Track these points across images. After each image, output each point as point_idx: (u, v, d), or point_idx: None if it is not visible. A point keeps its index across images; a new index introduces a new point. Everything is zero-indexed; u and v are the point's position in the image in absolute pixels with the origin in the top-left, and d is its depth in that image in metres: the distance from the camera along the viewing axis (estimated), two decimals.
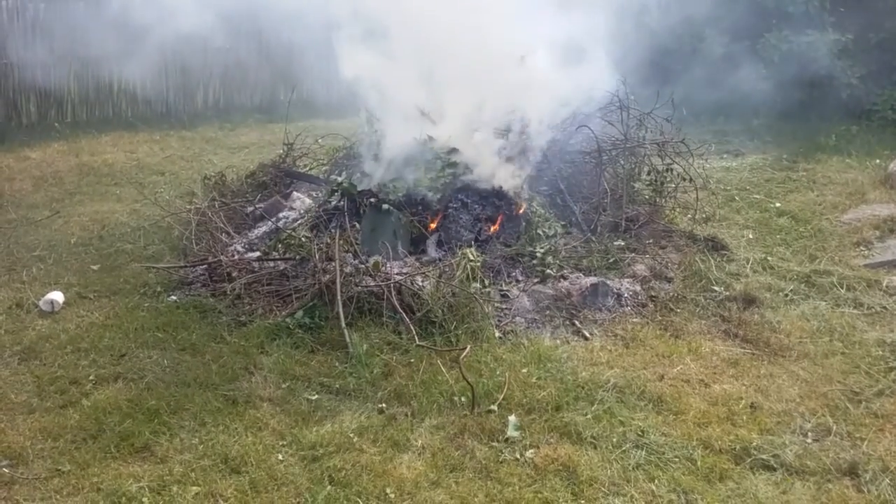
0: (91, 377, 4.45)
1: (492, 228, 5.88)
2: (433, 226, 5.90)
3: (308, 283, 5.23)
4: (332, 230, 5.70)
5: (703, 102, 9.52)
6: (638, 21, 8.09)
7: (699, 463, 3.78)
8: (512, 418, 4.06)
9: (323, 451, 3.83)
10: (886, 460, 3.79)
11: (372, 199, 5.86)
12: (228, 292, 5.28)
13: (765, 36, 10.15)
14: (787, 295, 5.50)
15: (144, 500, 3.48)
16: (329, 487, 3.59)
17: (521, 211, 6.01)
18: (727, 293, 5.46)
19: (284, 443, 3.91)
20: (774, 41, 10.10)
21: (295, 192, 6.73)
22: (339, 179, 6.29)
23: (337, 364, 4.57)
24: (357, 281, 5.15)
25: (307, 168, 7.59)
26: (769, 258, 6.04)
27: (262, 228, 6.24)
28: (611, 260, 5.72)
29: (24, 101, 10.08)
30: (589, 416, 4.11)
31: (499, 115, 6.21)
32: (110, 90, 10.62)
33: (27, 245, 6.33)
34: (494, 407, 4.17)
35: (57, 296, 5.31)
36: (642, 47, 8.13)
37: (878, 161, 8.43)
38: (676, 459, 3.81)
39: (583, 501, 3.55)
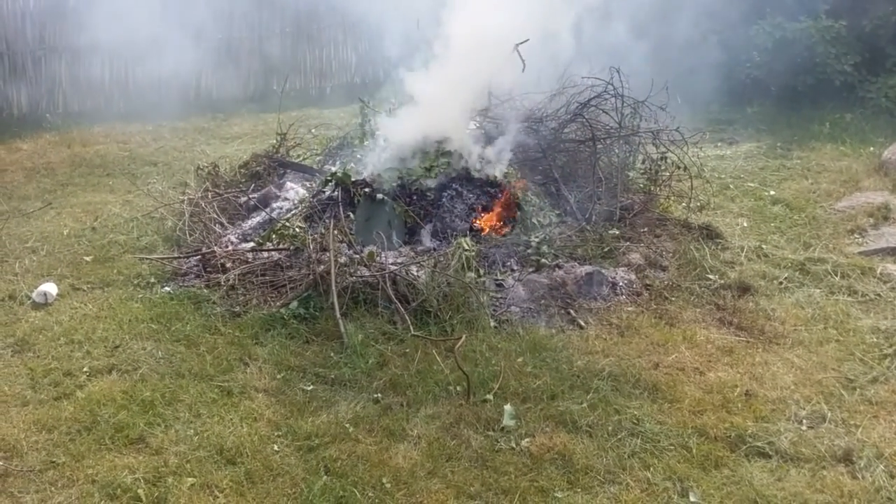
0: (85, 369, 4.43)
1: (485, 221, 5.86)
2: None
3: (302, 274, 5.22)
4: (327, 220, 5.69)
5: (698, 90, 9.50)
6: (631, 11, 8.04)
7: (694, 451, 3.79)
8: (507, 407, 4.06)
9: (319, 442, 3.83)
10: (881, 447, 3.81)
11: (366, 189, 5.84)
12: (222, 283, 5.26)
13: (759, 23, 10.13)
14: (781, 283, 5.51)
15: (140, 491, 3.48)
16: (325, 478, 3.59)
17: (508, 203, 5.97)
18: (722, 281, 5.46)
19: (280, 433, 3.91)
20: (768, 28, 10.07)
21: (288, 183, 6.69)
22: (334, 169, 6.26)
23: (332, 354, 4.56)
24: (352, 271, 5.14)
25: (301, 158, 7.56)
26: (763, 246, 6.05)
27: (256, 219, 6.21)
28: (605, 249, 5.71)
29: (14, 91, 10.01)
30: (584, 405, 4.12)
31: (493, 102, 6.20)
32: (102, 80, 10.54)
33: (20, 237, 6.30)
34: (490, 396, 4.17)
35: (50, 287, 5.28)
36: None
37: (871, 149, 8.43)
38: (672, 447, 3.82)
39: (578, 490, 3.55)
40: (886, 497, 3.51)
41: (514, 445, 3.83)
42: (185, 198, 6.59)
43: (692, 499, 3.50)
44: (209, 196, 6.54)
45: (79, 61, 10.32)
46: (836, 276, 5.56)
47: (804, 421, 4.04)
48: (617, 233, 5.92)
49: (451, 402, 4.15)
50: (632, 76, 6.45)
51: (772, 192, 7.36)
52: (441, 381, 4.29)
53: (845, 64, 9.94)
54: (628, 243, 5.84)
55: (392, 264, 5.25)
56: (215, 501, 3.46)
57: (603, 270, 5.38)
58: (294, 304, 4.97)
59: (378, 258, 5.27)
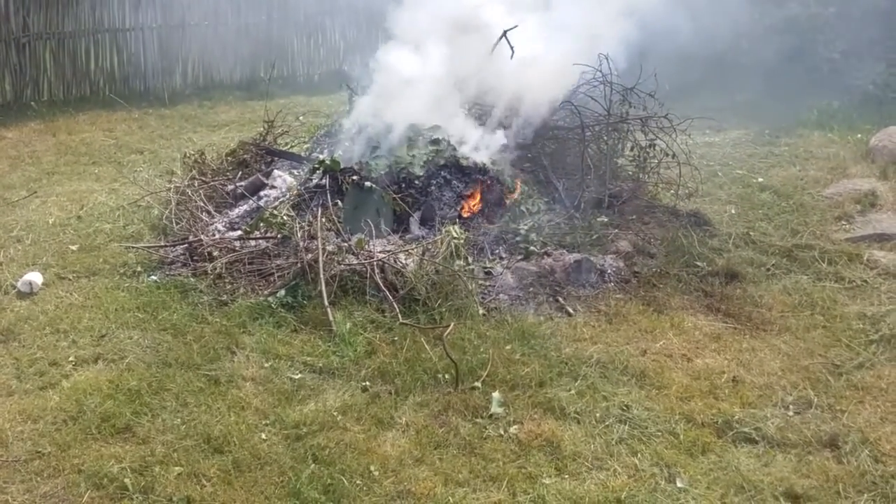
0: (71, 358, 4.40)
1: (467, 208, 5.85)
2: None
3: (290, 262, 5.20)
4: (315, 208, 5.65)
5: (686, 78, 9.48)
6: None
7: (682, 437, 3.81)
8: (496, 395, 4.07)
9: (306, 430, 3.82)
10: (866, 432, 3.84)
11: (354, 177, 5.81)
12: (209, 272, 5.23)
13: (747, 10, 10.11)
14: (768, 269, 5.53)
15: (126, 480, 3.46)
16: (313, 466, 3.59)
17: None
18: (710, 268, 5.48)
19: (268, 422, 3.90)
20: (757, 15, 10.07)
21: (276, 171, 6.65)
22: (321, 157, 6.23)
23: (320, 343, 4.55)
24: (340, 259, 5.12)
25: (288, 146, 7.51)
26: (751, 233, 6.07)
27: (243, 207, 6.17)
28: (594, 236, 5.71)
29: None
30: (572, 392, 4.12)
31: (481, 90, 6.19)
32: (87, 68, 10.43)
33: (4, 226, 6.23)
34: (478, 384, 4.17)
35: (35, 277, 5.23)
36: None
37: (859, 136, 8.46)
38: (659, 433, 3.84)
39: (566, 476, 3.56)
40: (871, 481, 3.54)
41: (502, 432, 3.84)
42: (172, 186, 6.53)
43: (679, 484, 3.52)
44: (196, 184, 6.48)
45: (64, 48, 10.20)
46: (824, 262, 5.59)
47: (791, 407, 4.06)
48: (605, 220, 5.93)
49: (439, 389, 4.15)
50: (619, 63, 6.44)
51: (760, 179, 7.38)
52: (429, 369, 4.29)
53: (833, 51, 9.95)
54: (617, 231, 5.84)
55: (380, 252, 5.24)
56: (202, 490, 3.45)
57: (591, 258, 5.38)
58: (282, 292, 4.95)
59: (366, 246, 5.25)
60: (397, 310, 4.75)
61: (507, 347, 4.53)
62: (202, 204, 6.19)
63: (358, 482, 3.50)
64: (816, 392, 4.17)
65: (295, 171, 6.61)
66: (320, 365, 4.36)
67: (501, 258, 5.48)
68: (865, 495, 3.47)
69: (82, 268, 5.50)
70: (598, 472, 3.59)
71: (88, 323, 4.77)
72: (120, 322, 4.78)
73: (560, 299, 5.08)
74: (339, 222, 5.51)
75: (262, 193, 6.28)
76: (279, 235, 5.45)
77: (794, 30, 9.87)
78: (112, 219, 6.38)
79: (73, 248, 5.84)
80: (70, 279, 5.36)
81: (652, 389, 4.18)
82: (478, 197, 5.91)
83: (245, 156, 6.95)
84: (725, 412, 3.98)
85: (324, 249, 5.07)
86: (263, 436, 3.79)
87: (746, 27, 10.01)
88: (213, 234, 5.74)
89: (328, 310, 4.73)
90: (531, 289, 5.16)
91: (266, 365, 4.36)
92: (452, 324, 4.60)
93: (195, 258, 5.45)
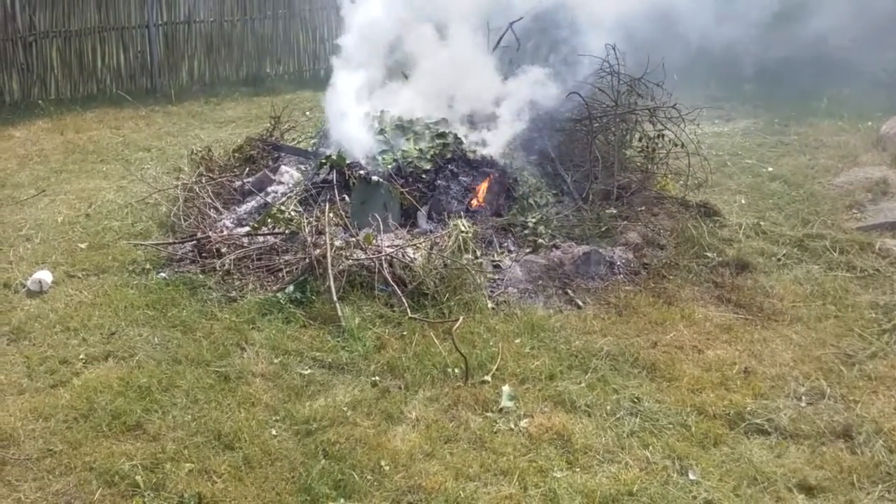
0: (81, 356, 4.42)
1: (475, 201, 5.83)
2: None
3: (298, 258, 5.19)
4: (322, 203, 5.65)
5: (694, 67, 9.42)
6: None
7: (693, 429, 3.79)
8: (506, 388, 4.06)
9: (317, 426, 3.82)
10: (880, 422, 3.81)
11: (361, 172, 5.80)
12: (218, 268, 5.23)
13: None
14: (779, 259, 5.49)
15: (137, 478, 3.47)
16: (323, 461, 3.59)
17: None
18: (720, 259, 5.44)
19: (278, 418, 3.90)
20: (766, 2, 9.97)
21: (283, 166, 6.65)
22: (328, 152, 6.21)
23: (329, 338, 4.55)
24: (348, 254, 5.11)
25: (295, 141, 7.51)
26: (762, 223, 6.02)
27: (251, 203, 6.17)
28: (603, 228, 5.69)
29: (6, 78, 9.92)
30: (583, 385, 4.11)
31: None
32: (94, 66, 10.44)
33: (13, 224, 6.25)
34: (488, 378, 4.16)
35: (45, 275, 5.25)
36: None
37: (869, 123, 8.39)
38: (671, 426, 3.82)
39: (577, 469, 3.55)
40: (885, 472, 3.52)
41: (512, 426, 3.82)
42: (180, 183, 6.54)
43: (691, 477, 3.50)
44: (203, 181, 6.48)
45: (70, 46, 10.21)
46: (835, 251, 5.54)
47: (803, 397, 4.04)
48: (614, 212, 5.89)
49: (449, 384, 4.14)
50: (627, 53, 6.40)
51: (770, 169, 7.32)
52: (439, 364, 4.28)
53: (844, 38, 9.85)
54: (626, 222, 5.81)
55: (388, 247, 5.22)
56: (213, 487, 3.45)
57: (600, 250, 5.36)
58: (290, 288, 4.95)
59: (374, 241, 5.24)
60: (406, 304, 4.74)
61: (517, 341, 4.52)
62: (210, 200, 6.20)
63: (368, 477, 3.50)
64: (829, 382, 4.14)
65: (302, 167, 6.61)
66: (329, 360, 4.36)
67: (510, 251, 5.46)
68: (880, 486, 3.45)
69: (91, 266, 5.51)
70: (610, 465, 3.58)
71: (98, 321, 4.78)
72: (129, 319, 4.78)
73: (569, 292, 5.06)
74: (346, 217, 5.50)
75: (269, 189, 6.27)
76: (287, 231, 5.44)
77: (804, 17, 9.77)
78: (120, 216, 6.39)
79: (82, 246, 5.85)
80: (79, 277, 5.37)
81: (663, 382, 4.16)
82: (485, 190, 5.89)
83: (252, 152, 6.96)
84: (737, 404, 3.95)
85: (332, 244, 5.06)
86: (274, 432, 3.79)
87: (756, 14, 9.92)
88: (221, 231, 5.74)
89: (337, 305, 4.72)
90: (540, 282, 5.14)
91: (275, 361, 4.36)
92: (461, 318, 4.59)
93: (203, 255, 5.45)
